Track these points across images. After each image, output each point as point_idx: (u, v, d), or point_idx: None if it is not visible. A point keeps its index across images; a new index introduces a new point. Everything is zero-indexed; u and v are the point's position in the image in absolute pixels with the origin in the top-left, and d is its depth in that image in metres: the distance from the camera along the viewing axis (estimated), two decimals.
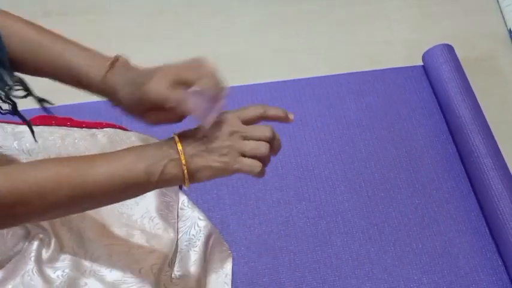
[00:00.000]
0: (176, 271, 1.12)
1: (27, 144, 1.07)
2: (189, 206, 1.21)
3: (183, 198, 1.22)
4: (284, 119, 0.90)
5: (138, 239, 1.08)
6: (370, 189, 1.42)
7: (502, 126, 1.65)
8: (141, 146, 0.86)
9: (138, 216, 1.11)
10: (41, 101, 0.96)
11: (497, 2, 2.15)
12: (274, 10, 2.09)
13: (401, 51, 1.93)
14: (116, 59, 0.89)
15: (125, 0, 2.05)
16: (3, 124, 1.10)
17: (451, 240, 1.37)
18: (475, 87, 1.59)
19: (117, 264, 1.03)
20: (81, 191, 0.79)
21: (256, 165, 0.85)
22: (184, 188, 0.90)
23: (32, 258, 0.97)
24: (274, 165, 1.41)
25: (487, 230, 1.40)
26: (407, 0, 2.19)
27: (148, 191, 0.88)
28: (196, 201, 1.29)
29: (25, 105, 1.35)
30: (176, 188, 1.23)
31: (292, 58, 1.90)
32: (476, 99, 1.53)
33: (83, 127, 1.17)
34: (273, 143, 0.87)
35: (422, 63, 1.73)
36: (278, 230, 1.34)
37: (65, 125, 1.17)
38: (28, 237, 1.00)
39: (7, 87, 0.88)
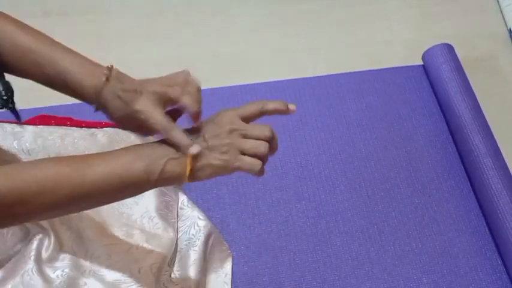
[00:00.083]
0: (176, 271, 1.12)
1: (26, 144, 1.07)
2: (189, 205, 1.21)
3: (182, 198, 1.22)
4: (284, 111, 0.90)
5: (138, 238, 1.08)
6: (370, 188, 1.42)
7: (502, 125, 1.65)
8: (139, 145, 0.86)
9: (138, 216, 1.11)
10: (14, 111, 0.94)
11: (497, 1, 2.16)
12: (274, 10, 2.09)
13: (401, 51, 1.93)
14: (109, 71, 0.87)
15: (125, 0, 2.05)
16: (2, 124, 1.10)
17: (450, 240, 1.37)
18: (475, 87, 1.59)
19: (117, 263, 1.03)
20: (80, 190, 0.79)
21: (256, 163, 0.86)
22: (184, 187, 0.90)
23: (32, 258, 0.97)
24: (274, 165, 1.41)
25: (487, 230, 1.40)
26: (408, 0, 2.19)
27: (147, 189, 0.88)
28: (196, 201, 1.29)
29: (25, 104, 1.35)
30: (176, 187, 1.23)
31: (292, 58, 1.90)
32: (476, 98, 1.53)
33: (83, 126, 1.17)
34: (272, 143, 0.87)
35: (422, 63, 1.73)
36: (278, 229, 1.34)
37: (64, 125, 1.17)
38: (28, 236, 1.00)
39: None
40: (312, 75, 1.73)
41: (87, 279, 1.00)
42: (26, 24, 0.90)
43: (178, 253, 1.14)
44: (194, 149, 0.82)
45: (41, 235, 1.00)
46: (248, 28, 2.00)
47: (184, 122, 0.87)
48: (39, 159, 0.80)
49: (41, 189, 0.76)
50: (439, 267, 1.33)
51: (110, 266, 1.03)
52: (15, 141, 1.07)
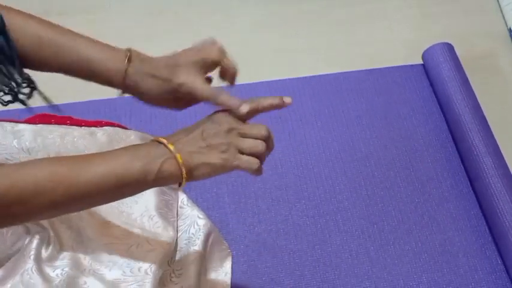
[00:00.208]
0: (175, 270, 1.12)
1: (26, 143, 1.07)
2: (189, 204, 1.21)
3: (182, 197, 1.22)
4: (280, 105, 0.90)
5: (138, 237, 1.08)
6: (369, 187, 1.42)
7: (502, 124, 1.65)
8: (136, 145, 0.86)
9: (138, 215, 1.11)
10: (46, 98, 0.96)
11: (497, 1, 2.16)
12: (274, 10, 2.09)
13: (402, 51, 1.93)
14: (130, 52, 0.89)
15: (125, 0, 2.05)
16: (2, 122, 1.10)
17: (450, 239, 1.37)
18: (474, 86, 1.59)
19: (117, 262, 1.03)
20: (78, 189, 0.79)
21: (254, 162, 0.86)
22: (183, 186, 0.90)
23: (32, 257, 0.97)
24: (273, 164, 1.41)
25: (487, 229, 1.40)
26: (407, 0, 2.19)
27: (145, 189, 0.88)
28: (196, 200, 1.29)
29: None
30: (175, 186, 1.23)
31: (292, 58, 1.90)
32: (476, 97, 1.53)
33: (82, 125, 1.17)
34: (268, 141, 0.88)
35: (422, 62, 1.73)
36: (277, 228, 1.34)
37: (64, 124, 1.17)
38: (27, 236, 1.00)
39: (14, 85, 0.88)
40: (311, 75, 1.74)
41: (87, 278, 1.00)
42: (39, 17, 0.91)
43: (178, 252, 1.14)
44: (244, 108, 0.85)
45: (40, 234, 1.00)
46: (248, 28, 2.00)
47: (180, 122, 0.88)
48: (38, 159, 0.81)
49: (40, 189, 0.76)
50: (439, 266, 1.33)
51: (110, 265, 1.03)
52: (15, 140, 1.07)
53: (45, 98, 0.95)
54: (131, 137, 1.19)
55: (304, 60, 1.90)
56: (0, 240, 0.96)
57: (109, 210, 1.09)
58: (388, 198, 1.41)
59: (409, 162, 1.48)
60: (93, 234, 1.05)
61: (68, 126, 1.15)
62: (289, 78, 1.64)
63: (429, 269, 1.33)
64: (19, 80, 0.87)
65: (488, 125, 1.48)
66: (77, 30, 0.93)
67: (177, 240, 1.16)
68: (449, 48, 1.62)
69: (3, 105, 0.88)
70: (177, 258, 1.14)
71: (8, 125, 1.09)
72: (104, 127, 1.19)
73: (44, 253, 0.99)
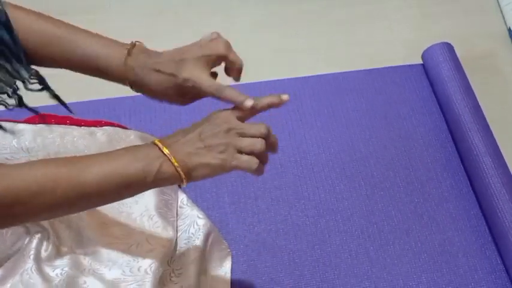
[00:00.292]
0: (175, 269, 1.12)
1: (26, 143, 1.07)
2: (188, 204, 1.21)
3: (182, 197, 1.22)
4: (278, 103, 0.90)
5: (137, 237, 1.08)
6: (369, 187, 1.42)
7: (502, 124, 1.65)
8: (135, 146, 0.87)
9: (138, 215, 1.11)
10: (57, 96, 0.97)
11: (497, 1, 2.16)
12: (274, 10, 2.09)
13: (402, 51, 1.93)
14: (133, 45, 0.90)
15: (125, 0, 2.05)
16: (2, 122, 1.10)
17: (450, 239, 1.37)
18: (474, 86, 1.59)
19: (116, 262, 1.04)
20: (78, 190, 0.79)
21: (253, 161, 0.86)
22: (183, 186, 0.90)
23: (31, 257, 0.97)
24: (273, 164, 1.41)
25: (486, 229, 1.40)
26: (408, 0, 2.19)
27: (144, 190, 0.88)
28: (196, 200, 1.30)
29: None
30: (175, 186, 1.23)
31: (292, 58, 1.90)
32: (475, 97, 1.53)
33: (82, 125, 1.18)
34: (269, 140, 0.88)
35: (422, 62, 1.73)
36: (277, 228, 1.34)
37: (64, 124, 1.17)
38: (27, 235, 1.00)
39: (16, 86, 0.88)
40: (311, 75, 1.74)
41: (87, 278, 1.01)
42: (43, 14, 0.91)
43: (177, 252, 1.15)
44: (249, 102, 0.86)
45: (40, 234, 1.00)
46: (248, 28, 2.00)
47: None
48: (37, 160, 0.81)
49: (40, 189, 0.76)
50: (439, 266, 1.33)
51: (110, 265, 1.03)
52: (15, 140, 1.07)
53: (55, 96, 0.95)
54: (131, 137, 1.19)
55: (304, 60, 1.90)
56: (0, 240, 0.96)
57: (109, 210, 1.10)
58: (388, 198, 1.41)
59: (408, 162, 1.48)
60: (92, 234, 1.05)
61: (67, 126, 1.16)
62: (288, 78, 1.64)
63: (429, 269, 1.33)
64: (26, 76, 0.88)
65: (488, 125, 1.48)
66: None
67: (176, 240, 1.16)
68: (449, 48, 1.62)
69: (7, 108, 0.88)
70: (176, 257, 1.15)
71: (8, 125, 1.09)
72: (104, 127, 1.19)
73: (44, 253, 0.99)
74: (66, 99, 1.34)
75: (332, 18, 2.12)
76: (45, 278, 0.96)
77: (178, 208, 1.20)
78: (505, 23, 2.09)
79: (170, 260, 1.12)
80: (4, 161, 1.04)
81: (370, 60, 1.88)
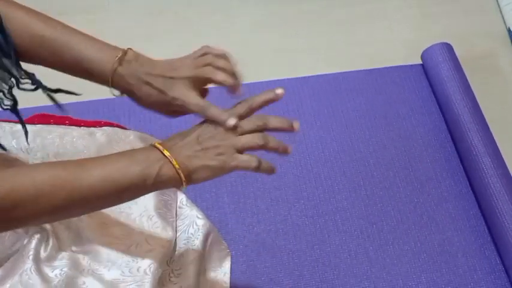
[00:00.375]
0: (174, 270, 1.12)
1: (25, 143, 1.07)
2: (188, 204, 1.21)
3: (181, 197, 1.22)
4: (273, 99, 0.91)
5: (137, 237, 1.08)
6: (368, 187, 1.42)
7: (501, 124, 1.65)
8: (134, 149, 0.87)
9: (137, 215, 1.11)
10: (50, 95, 0.96)
11: (497, 1, 2.15)
12: (274, 10, 2.09)
13: (402, 51, 1.93)
14: (125, 52, 0.90)
15: (124, 0, 2.05)
16: (1, 123, 1.10)
17: (449, 239, 1.37)
18: (473, 86, 1.59)
19: (116, 262, 1.03)
20: (77, 194, 0.79)
21: (252, 159, 0.86)
22: (183, 189, 0.90)
23: (30, 257, 0.97)
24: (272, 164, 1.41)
25: (486, 229, 1.40)
26: (408, 0, 2.19)
27: (144, 194, 0.88)
28: (195, 200, 1.29)
29: (25, 103, 1.35)
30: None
31: (292, 58, 1.90)
32: (475, 97, 1.53)
33: (81, 126, 1.17)
34: (269, 125, 0.88)
35: (421, 62, 1.73)
36: (277, 228, 1.34)
37: (63, 124, 1.17)
38: (26, 236, 1.00)
39: (14, 82, 0.88)
40: (311, 75, 1.74)
41: (86, 278, 1.00)
42: (36, 11, 0.91)
43: (177, 252, 1.14)
44: (231, 122, 0.86)
45: (39, 235, 1.00)
46: (248, 28, 2.00)
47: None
48: (36, 164, 0.81)
49: (39, 193, 0.76)
50: (438, 266, 1.33)
51: (109, 265, 1.03)
52: (14, 140, 1.07)
53: (49, 94, 0.95)
54: (130, 137, 1.19)
55: (304, 60, 1.90)
56: None
57: (108, 211, 1.10)
58: (387, 198, 1.41)
59: (408, 162, 1.48)
60: (92, 235, 1.05)
61: (67, 127, 1.15)
62: (288, 78, 1.64)
63: (428, 269, 1.33)
64: (17, 75, 0.88)
65: (487, 125, 1.48)
66: None
67: (176, 240, 1.16)
68: (448, 48, 1.62)
69: (3, 109, 0.88)
70: (176, 258, 1.14)
71: (7, 125, 1.09)
72: (103, 127, 1.19)
73: (43, 253, 0.99)
74: (66, 100, 1.34)
75: (332, 18, 2.12)
76: (45, 278, 0.96)
77: (178, 208, 1.20)
78: (505, 23, 2.09)
79: (169, 261, 1.12)
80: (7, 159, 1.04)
81: (370, 60, 1.88)
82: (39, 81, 0.92)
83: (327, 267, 1.30)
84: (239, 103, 0.91)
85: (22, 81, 0.90)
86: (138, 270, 1.03)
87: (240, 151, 0.87)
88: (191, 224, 1.18)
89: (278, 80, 1.63)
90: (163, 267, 1.08)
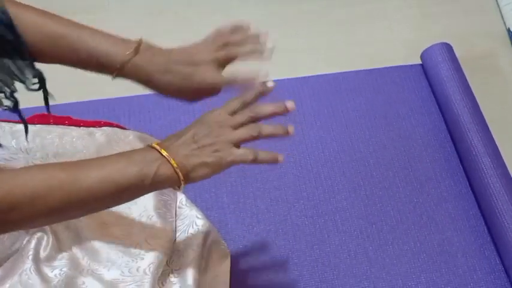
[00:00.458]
0: (174, 270, 1.12)
1: (25, 143, 1.07)
2: (187, 204, 1.21)
3: (181, 197, 1.22)
4: (266, 91, 0.92)
5: (136, 237, 1.08)
6: (368, 188, 1.42)
7: (501, 125, 1.65)
8: (131, 150, 0.87)
9: (136, 215, 1.11)
10: (46, 98, 0.97)
11: (496, 1, 2.15)
12: (274, 10, 2.09)
13: (402, 51, 1.93)
14: (139, 42, 0.92)
15: (124, 0, 2.05)
16: (1, 123, 1.10)
17: (449, 239, 1.37)
18: (474, 86, 1.59)
19: (115, 262, 1.04)
20: (74, 195, 0.79)
21: (248, 152, 0.87)
22: (182, 189, 0.90)
23: (30, 257, 0.97)
24: (272, 164, 1.41)
25: (485, 229, 1.40)
26: (408, 0, 2.19)
27: (143, 194, 0.88)
28: (195, 200, 1.29)
29: (25, 103, 1.35)
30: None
31: (292, 58, 1.90)
32: (474, 98, 1.53)
33: (81, 126, 1.18)
34: (261, 113, 0.89)
35: (421, 63, 1.73)
36: (276, 228, 1.34)
37: (63, 124, 1.17)
38: (26, 236, 1.00)
39: (14, 88, 0.89)
40: (311, 75, 1.74)
41: (86, 278, 1.01)
42: (45, 10, 0.92)
43: (176, 252, 1.14)
44: (270, 83, 0.92)
45: (39, 234, 1.00)
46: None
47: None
48: (34, 165, 0.81)
49: (36, 195, 0.76)
50: (438, 266, 1.33)
51: (108, 265, 1.03)
52: (14, 140, 1.07)
53: (46, 98, 0.96)
54: (130, 137, 1.19)
55: (304, 60, 1.90)
56: None
57: (108, 211, 1.10)
58: (387, 198, 1.41)
59: (407, 162, 1.48)
60: (91, 235, 1.05)
61: (66, 127, 1.16)
62: (288, 78, 1.64)
63: (428, 269, 1.33)
64: (29, 76, 0.88)
65: (487, 125, 1.48)
66: None
67: (175, 240, 1.16)
68: (448, 48, 1.62)
69: (2, 108, 0.88)
70: (175, 258, 1.14)
71: (7, 125, 1.09)
72: (103, 127, 1.19)
73: (42, 253, 0.99)
74: (66, 100, 1.34)
75: (332, 18, 2.12)
76: (44, 278, 0.96)
77: (177, 208, 1.20)
78: (504, 23, 2.09)
79: (169, 261, 1.12)
80: (3, 161, 1.04)
81: (371, 60, 1.88)
82: (45, 85, 0.93)
83: (326, 267, 1.30)
84: (232, 99, 0.92)
85: (33, 81, 0.91)
86: (137, 270, 1.03)
87: (237, 145, 0.88)
88: (191, 224, 1.18)
89: (278, 80, 1.63)
90: (162, 267, 1.08)
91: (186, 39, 1.81)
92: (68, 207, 0.80)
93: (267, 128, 0.90)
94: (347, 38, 2.05)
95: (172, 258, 1.14)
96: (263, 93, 0.92)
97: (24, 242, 0.99)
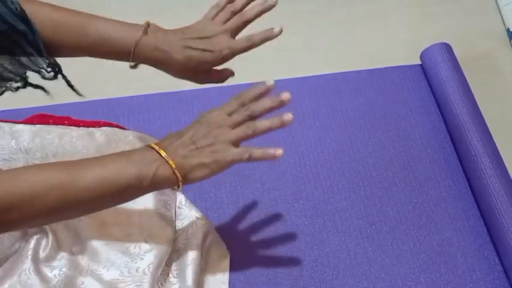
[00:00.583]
0: (173, 270, 1.13)
1: (24, 143, 1.08)
2: (187, 204, 1.22)
3: (180, 197, 1.23)
4: (265, 91, 0.94)
5: (136, 237, 1.08)
6: (367, 188, 1.42)
7: (500, 125, 1.66)
8: (129, 151, 0.88)
9: (136, 215, 1.11)
10: (71, 85, 0.99)
11: (496, 1, 2.16)
12: (274, 10, 2.09)
13: (402, 51, 1.94)
14: (148, 24, 0.94)
15: (124, 0, 2.05)
16: (0, 123, 1.10)
17: (448, 239, 1.37)
18: (473, 86, 1.59)
19: (115, 263, 1.04)
20: (73, 195, 0.80)
21: (243, 151, 0.88)
22: (180, 189, 0.91)
23: (29, 257, 0.97)
24: (272, 164, 1.41)
25: (485, 229, 1.39)
26: (407, 0, 2.20)
27: (142, 194, 0.89)
28: (194, 200, 1.30)
29: (24, 103, 1.36)
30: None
31: (292, 58, 1.91)
32: (474, 98, 1.53)
33: (81, 126, 1.18)
34: (257, 111, 0.90)
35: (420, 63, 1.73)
36: (275, 228, 1.34)
37: (62, 124, 1.17)
38: (25, 236, 1.00)
39: (26, 77, 0.89)
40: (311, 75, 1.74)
41: (85, 278, 1.01)
42: (56, 5, 0.93)
43: (176, 252, 1.15)
44: (276, 28, 1.05)
45: (38, 235, 1.00)
46: (247, 28, 2.00)
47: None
48: (33, 165, 0.81)
49: (35, 195, 0.76)
50: (437, 267, 1.33)
51: (108, 265, 1.04)
52: (13, 141, 1.07)
53: (69, 83, 0.97)
54: (129, 137, 1.19)
55: (303, 60, 1.91)
56: None
57: (107, 211, 1.09)
58: (386, 198, 1.41)
59: (407, 162, 1.47)
60: (91, 235, 1.05)
61: (66, 127, 1.16)
62: (288, 78, 1.64)
63: (427, 269, 1.32)
64: (44, 65, 0.89)
65: (486, 126, 1.48)
66: None
67: (175, 240, 1.16)
68: (447, 48, 1.62)
69: (13, 91, 0.89)
70: (175, 258, 1.15)
71: (6, 126, 1.09)
72: (102, 127, 1.20)
73: (42, 253, 0.99)
74: (65, 100, 1.34)
75: (332, 18, 2.12)
76: (43, 278, 0.97)
77: (177, 209, 1.21)
78: (504, 23, 2.09)
79: (168, 261, 1.12)
80: (2, 161, 1.04)
81: (371, 60, 1.89)
82: (62, 70, 0.94)
83: (326, 267, 1.30)
84: (231, 99, 0.93)
85: (48, 70, 0.92)
86: (137, 270, 1.04)
87: (236, 144, 0.89)
88: (190, 224, 1.19)
89: (278, 80, 1.63)
90: (162, 268, 1.09)
91: None
92: (67, 206, 0.80)
93: (264, 123, 0.91)
94: (347, 38, 2.05)
95: (172, 258, 1.14)
96: (263, 93, 0.92)
97: (24, 242, 0.99)
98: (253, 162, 0.91)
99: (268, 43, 1.04)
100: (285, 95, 0.93)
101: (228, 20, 1.00)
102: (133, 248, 1.06)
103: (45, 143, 1.09)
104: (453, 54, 1.63)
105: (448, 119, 1.53)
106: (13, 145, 1.06)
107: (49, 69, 0.92)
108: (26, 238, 0.99)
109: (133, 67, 0.98)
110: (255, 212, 1.36)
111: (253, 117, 0.91)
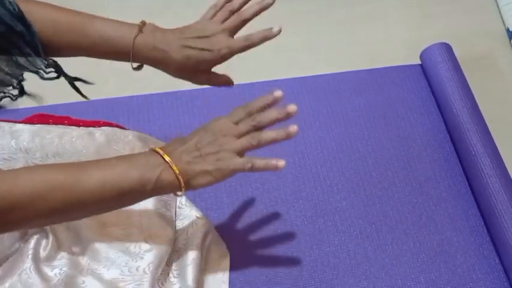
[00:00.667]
0: (173, 270, 1.13)
1: (24, 143, 1.08)
2: (187, 204, 1.22)
3: (180, 197, 1.23)
4: (273, 102, 0.93)
5: (136, 237, 1.09)
6: (367, 187, 1.42)
7: (500, 125, 1.66)
8: (133, 154, 0.88)
9: (136, 215, 1.11)
10: (75, 81, 0.99)
11: (496, 1, 2.16)
12: (274, 10, 2.08)
13: (402, 51, 1.94)
14: (143, 24, 0.94)
15: (124, 0, 2.05)
16: (0, 123, 1.10)
17: (448, 239, 1.37)
18: (473, 86, 1.60)
19: (115, 262, 1.04)
20: (74, 197, 0.80)
21: (245, 161, 0.88)
22: (182, 194, 0.91)
23: (30, 257, 0.97)
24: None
25: (485, 229, 1.40)
26: (407, 0, 2.20)
27: (144, 198, 0.89)
28: (194, 200, 1.30)
29: (23, 103, 1.36)
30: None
31: (292, 58, 1.91)
32: (474, 98, 1.53)
33: (80, 126, 1.18)
34: (263, 122, 0.90)
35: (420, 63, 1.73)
36: (275, 228, 1.34)
37: (62, 124, 1.17)
38: (25, 236, 1.00)
39: (22, 78, 0.89)
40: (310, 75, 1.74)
41: (85, 278, 1.01)
42: (54, 5, 0.94)
43: (176, 252, 1.15)
44: (276, 28, 1.03)
45: (38, 234, 1.00)
46: (247, 28, 2.00)
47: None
48: (35, 166, 0.81)
49: (36, 197, 0.76)
50: (437, 266, 1.33)
51: (108, 265, 1.04)
52: (13, 140, 1.07)
53: (74, 86, 0.97)
54: (129, 137, 1.19)
55: (303, 60, 1.91)
56: None
57: None
58: (386, 198, 1.41)
59: (407, 162, 1.47)
60: (91, 234, 1.06)
61: (66, 126, 1.16)
62: (287, 78, 1.65)
63: (427, 269, 1.33)
64: (42, 66, 0.89)
65: (486, 125, 1.48)
66: None
67: (175, 240, 1.16)
68: (447, 48, 1.62)
69: (12, 100, 0.89)
70: (175, 258, 1.15)
71: (6, 125, 1.10)
72: (102, 127, 1.20)
73: (42, 253, 0.99)
74: (65, 100, 1.35)
75: (332, 18, 2.13)
76: (44, 277, 0.97)
77: (177, 208, 1.21)
78: (503, 23, 2.09)
79: (169, 260, 1.12)
80: (2, 161, 1.04)
81: (371, 60, 1.89)
82: (63, 70, 0.94)
83: (325, 267, 1.30)
84: (238, 108, 0.92)
85: (46, 70, 0.92)
86: (137, 269, 1.04)
87: (241, 154, 0.89)
88: (190, 224, 1.19)
89: (277, 80, 1.63)
90: (162, 267, 1.09)
91: None
92: (68, 208, 0.80)
93: (269, 134, 0.90)
94: (347, 38, 2.06)
95: (172, 258, 1.14)
96: (270, 104, 0.92)
97: (24, 242, 0.99)
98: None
99: (267, 43, 1.04)
100: (292, 107, 0.92)
101: (226, 19, 1.00)
102: (133, 247, 1.06)
103: (45, 142, 1.10)
104: (453, 54, 1.63)
105: (447, 118, 1.53)
106: (13, 145, 1.06)
107: (48, 70, 0.92)
108: (26, 238, 0.99)
109: (137, 69, 0.99)
110: (254, 211, 1.36)
111: (259, 128, 0.91)
